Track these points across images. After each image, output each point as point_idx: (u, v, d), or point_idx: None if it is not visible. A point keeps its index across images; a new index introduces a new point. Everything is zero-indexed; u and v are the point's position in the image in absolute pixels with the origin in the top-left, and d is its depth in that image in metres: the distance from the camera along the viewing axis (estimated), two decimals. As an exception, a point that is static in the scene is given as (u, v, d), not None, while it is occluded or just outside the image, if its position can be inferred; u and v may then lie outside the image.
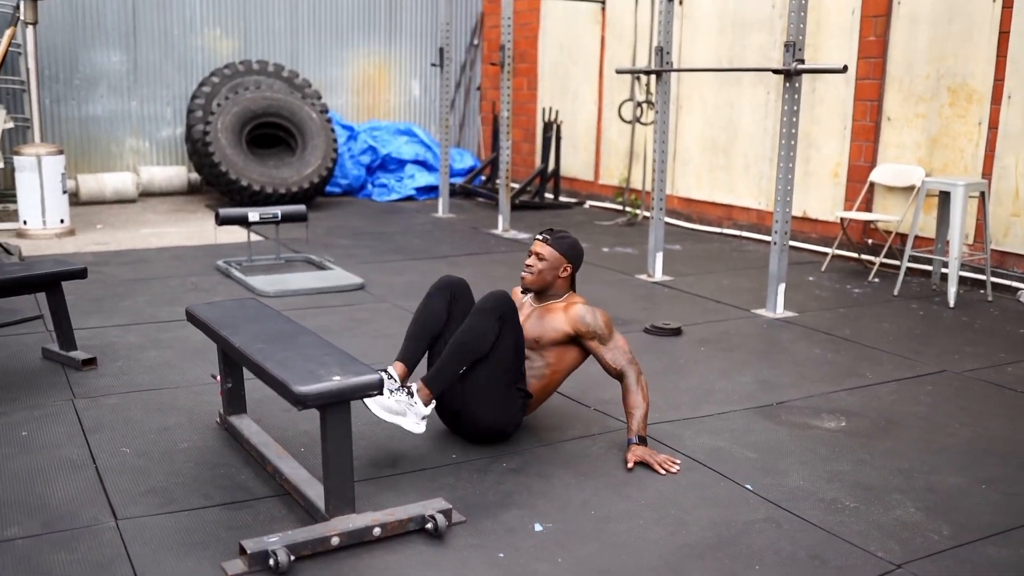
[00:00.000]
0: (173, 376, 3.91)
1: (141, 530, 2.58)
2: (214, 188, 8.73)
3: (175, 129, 9.47)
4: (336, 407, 2.48)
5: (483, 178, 9.99)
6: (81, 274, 3.94)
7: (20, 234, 6.99)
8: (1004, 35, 5.68)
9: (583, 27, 9.26)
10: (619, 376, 3.20)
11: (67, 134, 8.95)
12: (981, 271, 5.80)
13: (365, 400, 2.79)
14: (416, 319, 3.18)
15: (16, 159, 6.97)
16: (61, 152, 7.05)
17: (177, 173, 9.31)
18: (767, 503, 2.85)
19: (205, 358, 4.07)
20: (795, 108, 4.98)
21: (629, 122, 8.33)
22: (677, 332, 4.74)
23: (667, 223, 8.06)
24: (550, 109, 9.42)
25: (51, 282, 3.87)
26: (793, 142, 5.02)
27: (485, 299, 3.06)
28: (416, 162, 9.88)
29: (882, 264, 6.26)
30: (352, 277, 5.71)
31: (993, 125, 5.78)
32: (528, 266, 3.26)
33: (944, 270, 5.78)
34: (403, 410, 2.93)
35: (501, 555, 2.50)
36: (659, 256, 6.04)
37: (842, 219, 6.41)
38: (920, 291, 5.83)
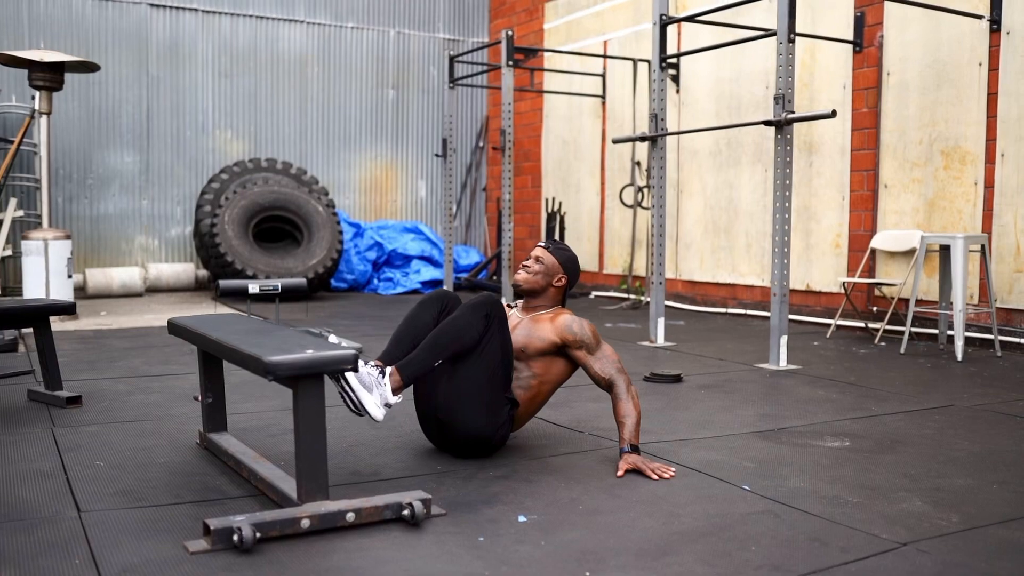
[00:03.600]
0: (157, 412, 3.82)
1: (103, 519, 2.46)
2: (220, 279, 8.79)
3: (184, 228, 9.63)
4: (308, 380, 2.41)
5: (488, 272, 10.04)
6: (69, 309, 3.93)
7: (23, 317, 7.00)
8: (992, 96, 5.77)
9: (585, 121, 9.49)
10: (608, 385, 3.10)
11: (78, 231, 9.10)
12: (988, 330, 5.70)
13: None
14: (403, 323, 3.12)
15: (24, 243, 7.06)
16: (68, 237, 7.15)
17: (184, 269, 9.41)
18: (765, 499, 2.71)
19: (192, 402, 3.98)
20: (788, 159, 5.02)
21: (631, 206, 8.41)
22: (677, 379, 4.64)
23: (671, 306, 8.06)
24: (553, 200, 9.55)
25: (39, 316, 3.85)
26: (788, 192, 5.04)
27: (474, 298, 3.01)
28: (422, 258, 9.96)
29: (887, 330, 6.17)
30: (350, 343, 5.64)
31: (989, 184, 5.80)
32: (525, 266, 3.23)
33: (950, 331, 5.68)
34: (371, 384, 2.83)
35: (481, 539, 2.36)
36: (660, 321, 5.98)
37: (844, 284, 6.36)
38: (927, 350, 5.72)
